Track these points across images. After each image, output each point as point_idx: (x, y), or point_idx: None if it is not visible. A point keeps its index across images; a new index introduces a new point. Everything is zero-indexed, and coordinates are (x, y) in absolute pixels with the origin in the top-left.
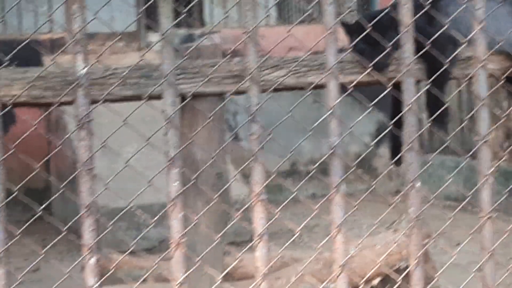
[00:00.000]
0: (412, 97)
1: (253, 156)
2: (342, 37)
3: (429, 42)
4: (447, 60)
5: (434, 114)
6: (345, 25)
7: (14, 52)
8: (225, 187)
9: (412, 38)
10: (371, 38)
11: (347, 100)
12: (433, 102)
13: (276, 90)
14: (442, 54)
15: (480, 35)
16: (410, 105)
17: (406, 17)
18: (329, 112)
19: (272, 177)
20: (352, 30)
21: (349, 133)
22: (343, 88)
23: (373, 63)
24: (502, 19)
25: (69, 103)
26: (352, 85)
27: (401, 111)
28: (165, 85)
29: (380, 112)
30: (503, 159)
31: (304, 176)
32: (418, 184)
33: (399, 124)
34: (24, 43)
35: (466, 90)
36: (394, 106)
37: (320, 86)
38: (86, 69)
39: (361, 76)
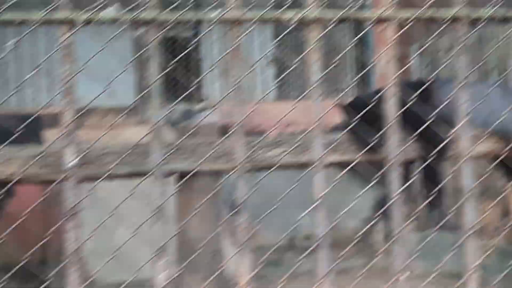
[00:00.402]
0: (399, 184)
1: (240, 248)
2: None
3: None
4: (442, 140)
5: (431, 192)
6: (341, 103)
7: (16, 131)
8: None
9: (397, 131)
10: (366, 118)
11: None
12: (429, 181)
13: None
14: (437, 135)
15: (464, 130)
16: (397, 194)
17: (391, 111)
18: (317, 202)
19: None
20: (348, 109)
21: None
22: (343, 164)
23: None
24: (495, 101)
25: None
26: (346, 168)
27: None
28: (154, 174)
29: (380, 186)
30: (498, 238)
31: (302, 250)
32: (406, 274)
33: None
34: (26, 122)
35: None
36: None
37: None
38: (75, 161)
39: (358, 156)
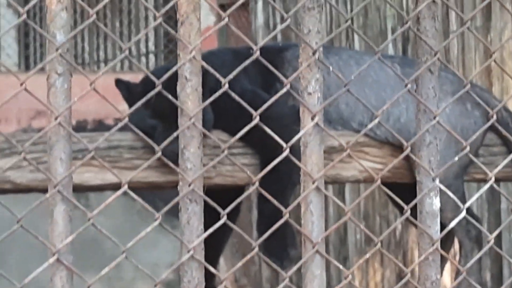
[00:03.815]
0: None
1: None
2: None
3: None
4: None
5: (266, 235)
6: (123, 85)
7: None
8: None
9: (199, 133)
10: (164, 108)
11: (135, 206)
12: (265, 217)
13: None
14: (280, 138)
15: (313, 139)
16: None
17: (187, 100)
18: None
19: None
20: (135, 94)
21: None
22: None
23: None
24: (386, 87)
25: None
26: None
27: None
28: None
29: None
30: None
31: None
32: None
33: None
34: None
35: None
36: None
37: None
38: None
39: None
